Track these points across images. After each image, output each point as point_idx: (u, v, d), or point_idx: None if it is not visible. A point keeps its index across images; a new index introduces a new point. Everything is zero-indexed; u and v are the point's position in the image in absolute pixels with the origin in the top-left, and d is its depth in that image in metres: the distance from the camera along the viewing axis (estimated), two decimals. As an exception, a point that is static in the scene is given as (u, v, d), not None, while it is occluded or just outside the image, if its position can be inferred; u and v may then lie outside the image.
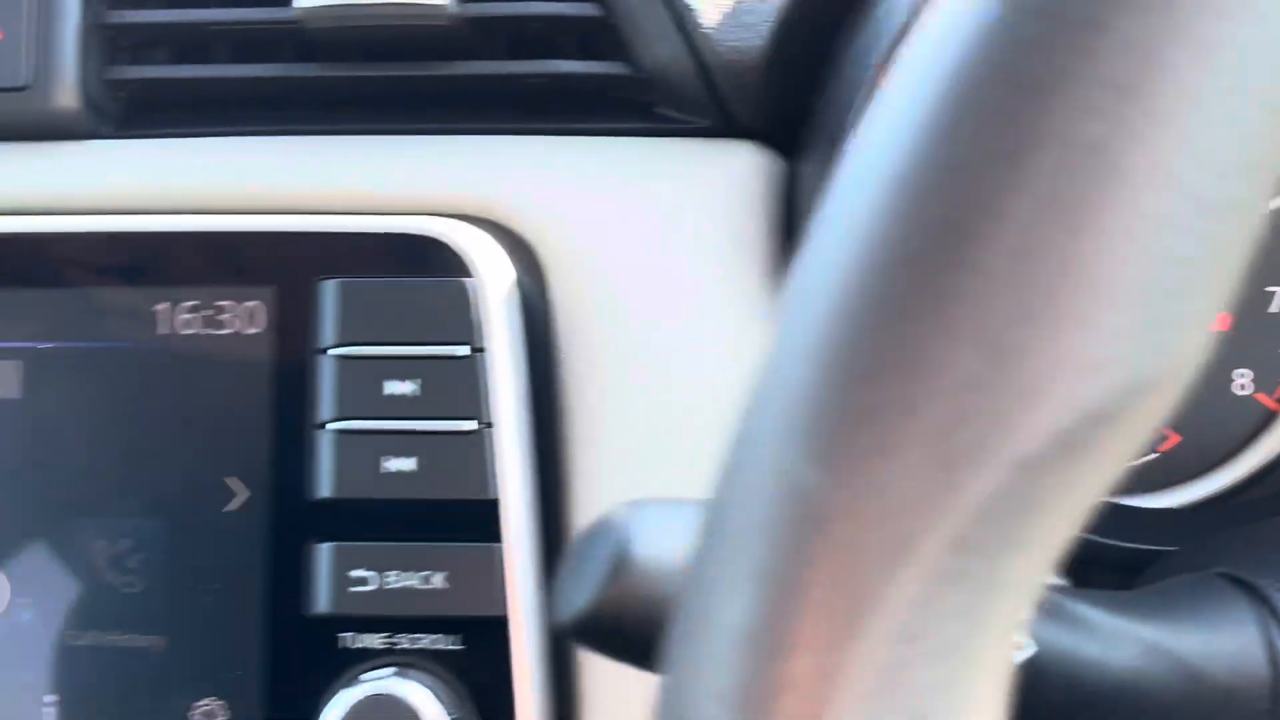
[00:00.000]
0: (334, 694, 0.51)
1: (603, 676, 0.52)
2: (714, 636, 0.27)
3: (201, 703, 0.53)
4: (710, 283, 0.57)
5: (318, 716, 0.51)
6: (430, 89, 0.60)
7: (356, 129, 0.60)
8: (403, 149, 0.59)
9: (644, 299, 0.56)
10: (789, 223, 0.60)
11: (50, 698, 0.53)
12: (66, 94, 0.59)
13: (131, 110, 0.62)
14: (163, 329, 0.54)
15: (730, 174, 0.58)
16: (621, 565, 0.38)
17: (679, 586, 0.38)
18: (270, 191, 0.58)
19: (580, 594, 0.39)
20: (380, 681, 0.51)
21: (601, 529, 0.39)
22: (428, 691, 0.50)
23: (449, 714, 0.50)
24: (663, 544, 0.39)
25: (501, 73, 0.60)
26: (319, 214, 0.55)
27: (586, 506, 0.53)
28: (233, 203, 0.58)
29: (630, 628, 0.39)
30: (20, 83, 0.59)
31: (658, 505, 0.40)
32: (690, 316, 0.56)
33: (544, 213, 0.57)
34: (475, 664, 0.51)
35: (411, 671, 0.51)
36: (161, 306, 0.54)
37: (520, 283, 0.54)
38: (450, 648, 0.51)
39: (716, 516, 0.28)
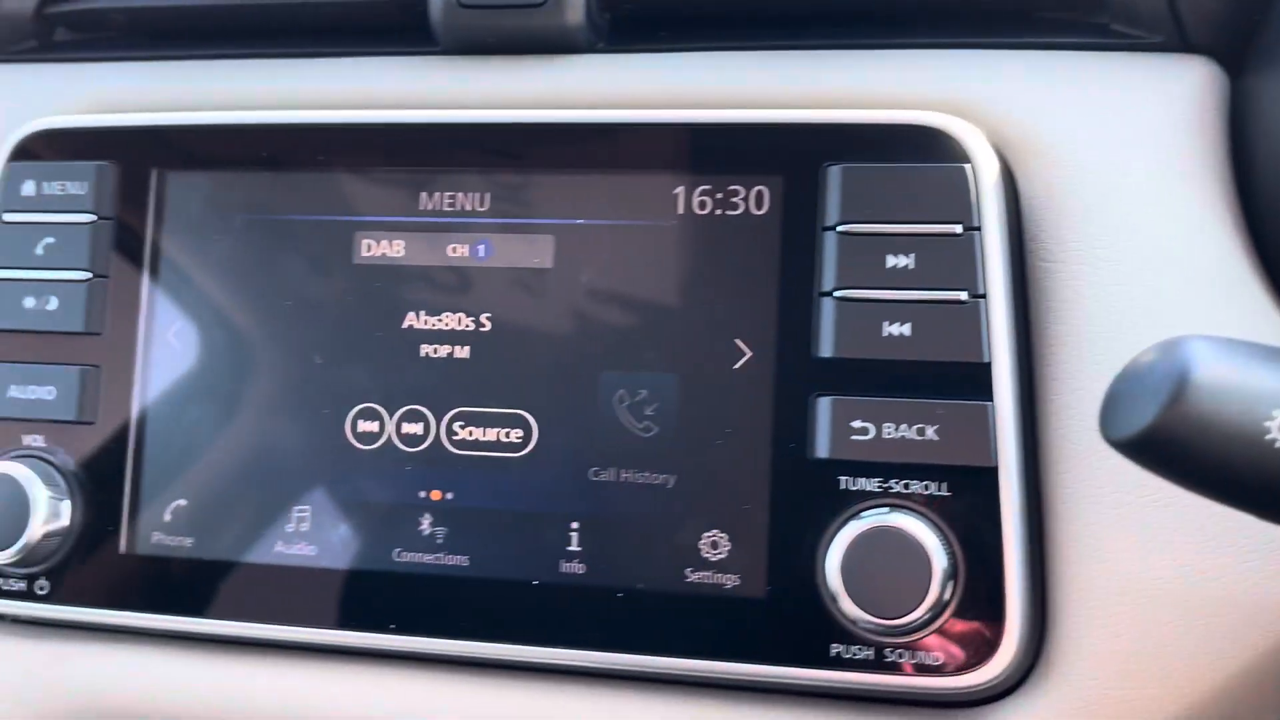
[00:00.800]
0: (837, 527, 0.58)
1: (1074, 523, 0.58)
2: None
3: (709, 534, 0.60)
4: (1166, 185, 0.61)
5: (820, 546, 0.58)
6: (896, 7, 0.67)
7: (812, 44, 0.67)
8: (864, 60, 0.65)
9: (1102, 195, 0.61)
10: (1235, 137, 0.64)
11: (575, 523, 0.62)
12: (574, 11, 0.68)
13: (616, 28, 0.70)
14: (680, 209, 0.62)
15: (1182, 87, 0.63)
16: (1183, 388, 0.43)
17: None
18: (753, 96, 0.65)
19: (1140, 413, 0.44)
20: (883, 515, 0.57)
21: (1161, 354, 0.45)
22: (925, 527, 0.57)
23: (945, 549, 0.57)
24: (1222, 372, 0.44)
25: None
26: (821, 108, 0.62)
27: (1060, 369, 0.59)
28: (720, 105, 0.65)
29: (1187, 448, 0.44)
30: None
31: (1213, 339, 0.45)
32: (1146, 213, 0.61)
33: (1009, 115, 0.62)
34: (963, 509, 0.57)
35: (906, 511, 0.57)
36: (679, 190, 0.62)
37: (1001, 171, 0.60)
38: (940, 494, 0.57)
39: None
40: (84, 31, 0.77)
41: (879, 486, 0.58)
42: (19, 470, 0.65)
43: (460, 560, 0.63)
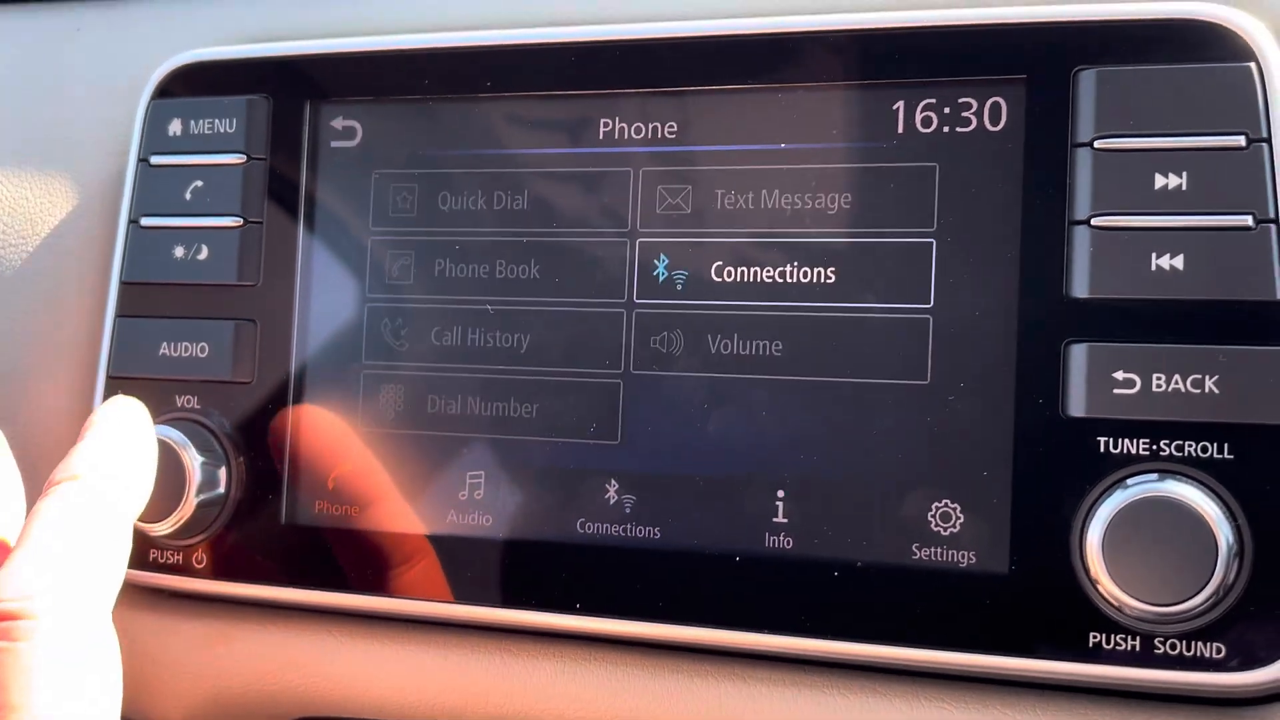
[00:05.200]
0: (1097, 497, 0.49)
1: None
2: None
3: (939, 504, 0.52)
4: None
5: (1077, 519, 0.50)
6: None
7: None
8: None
9: None
10: None
11: (781, 491, 0.54)
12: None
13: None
14: (900, 128, 0.54)
15: None
16: None
17: None
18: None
19: None
20: (1153, 483, 0.48)
21: None
22: (1205, 497, 0.48)
23: (1229, 523, 0.48)
24: None
25: None
26: (1066, 3, 0.52)
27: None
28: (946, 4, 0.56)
29: None
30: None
31: None
32: None
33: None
34: (1251, 476, 0.48)
35: (1180, 478, 0.49)
36: (898, 105, 0.54)
37: (1290, 74, 0.50)
38: (1222, 457, 0.48)
39: None
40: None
41: (1147, 449, 0.49)
42: (172, 435, 0.60)
43: (651, 531, 0.56)
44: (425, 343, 0.59)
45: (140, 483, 0.51)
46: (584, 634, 0.57)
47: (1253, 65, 0.49)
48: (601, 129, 0.58)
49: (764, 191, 0.55)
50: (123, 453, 0.50)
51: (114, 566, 0.46)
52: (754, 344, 0.55)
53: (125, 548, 0.48)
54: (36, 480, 0.63)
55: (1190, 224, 0.49)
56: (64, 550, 0.45)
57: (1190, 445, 0.49)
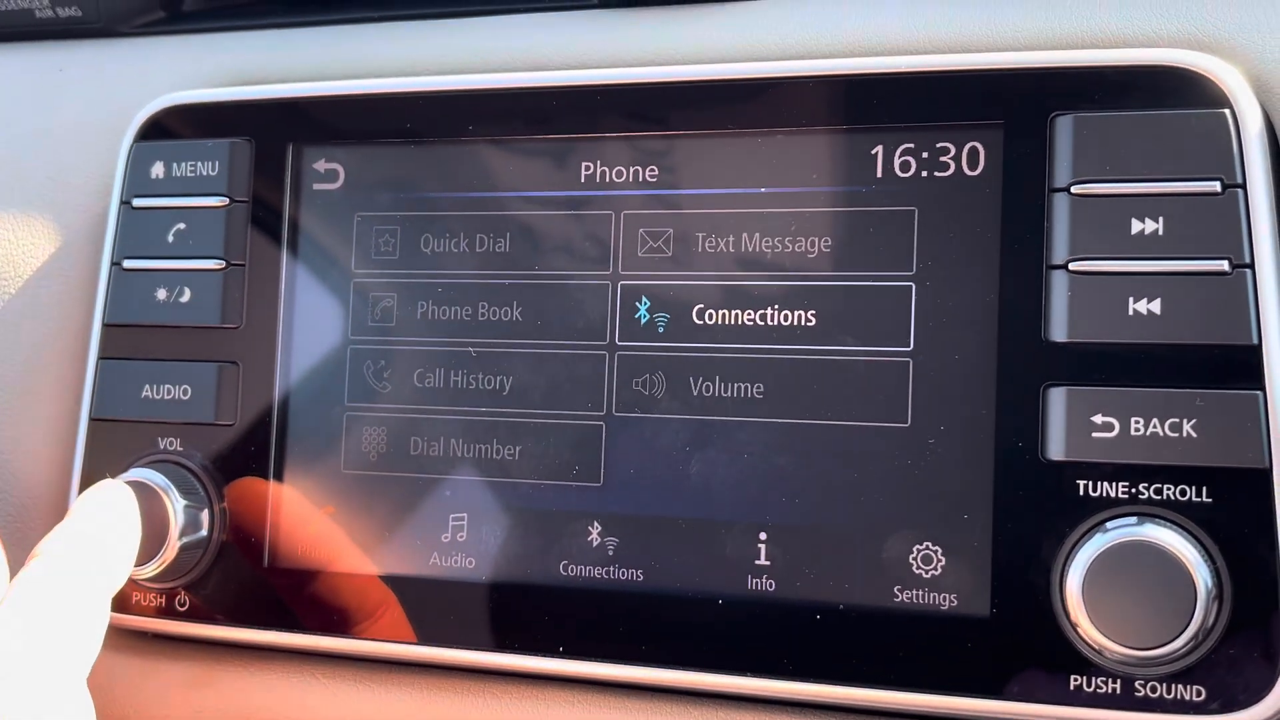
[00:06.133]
0: (1077, 540, 0.49)
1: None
2: None
3: (920, 546, 0.52)
4: None
5: (1057, 562, 0.50)
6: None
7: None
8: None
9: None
10: None
11: (763, 534, 0.54)
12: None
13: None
14: (879, 172, 0.54)
15: None
16: None
17: None
18: (962, 37, 0.56)
19: None
20: (1131, 527, 0.49)
21: None
22: (1184, 540, 0.48)
23: (1208, 566, 0.48)
24: None
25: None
26: (1043, 50, 0.53)
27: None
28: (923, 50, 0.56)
29: None
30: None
31: None
32: None
33: (1272, 53, 0.53)
34: (1229, 519, 0.48)
35: (1159, 522, 0.49)
36: (877, 149, 0.54)
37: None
38: (1200, 501, 0.49)
39: None
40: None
41: (1126, 493, 0.50)
42: (154, 478, 0.60)
43: (633, 574, 0.56)
44: (408, 384, 0.60)
45: (120, 561, 0.53)
46: (567, 677, 0.57)
47: (1227, 112, 0.50)
48: (583, 172, 0.58)
49: (745, 234, 0.56)
50: (105, 530, 0.53)
51: (88, 634, 0.48)
52: (735, 386, 0.55)
53: (101, 619, 0.50)
54: (19, 526, 0.63)
55: (1167, 269, 0.50)
56: (39, 614, 0.46)
57: (1169, 489, 0.49)
